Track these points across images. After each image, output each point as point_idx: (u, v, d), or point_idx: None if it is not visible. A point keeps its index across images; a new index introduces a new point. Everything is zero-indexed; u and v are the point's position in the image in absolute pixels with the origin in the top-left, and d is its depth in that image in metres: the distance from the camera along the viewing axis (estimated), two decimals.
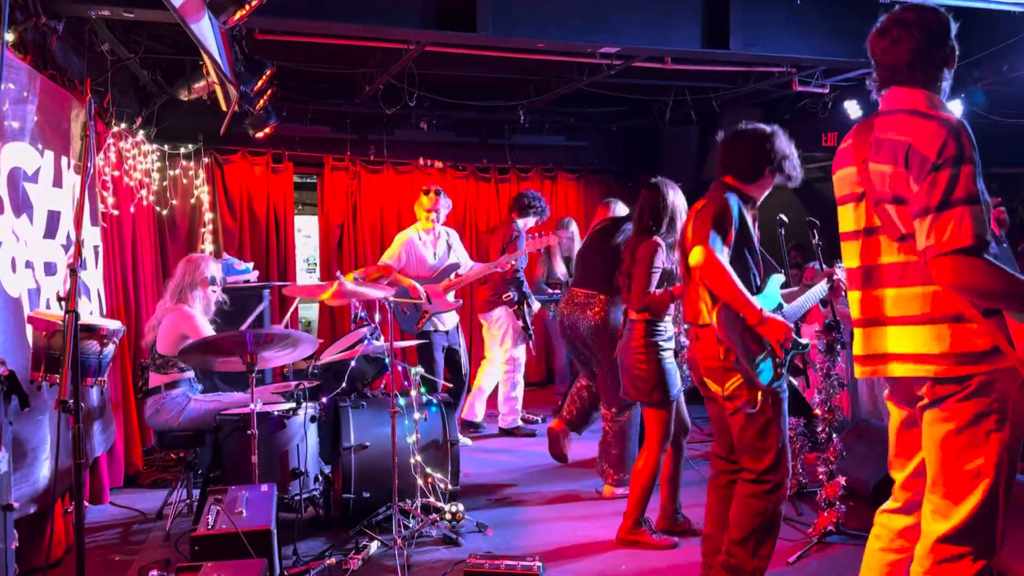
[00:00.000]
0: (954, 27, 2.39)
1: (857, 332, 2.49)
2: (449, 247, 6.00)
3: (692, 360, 3.35)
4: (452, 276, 5.84)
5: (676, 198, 4.04)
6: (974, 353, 2.24)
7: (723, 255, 2.95)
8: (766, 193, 3.33)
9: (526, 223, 6.34)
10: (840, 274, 3.35)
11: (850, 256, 2.51)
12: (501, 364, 6.36)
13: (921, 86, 2.36)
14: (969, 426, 2.26)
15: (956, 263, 2.12)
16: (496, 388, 6.48)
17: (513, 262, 5.89)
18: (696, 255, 2.95)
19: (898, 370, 2.36)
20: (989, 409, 2.25)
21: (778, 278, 3.21)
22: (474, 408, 6.46)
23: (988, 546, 2.29)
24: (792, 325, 3.02)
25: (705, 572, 3.38)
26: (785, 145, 3.24)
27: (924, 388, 2.33)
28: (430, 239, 5.90)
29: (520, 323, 6.14)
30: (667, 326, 3.99)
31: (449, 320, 5.93)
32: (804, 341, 3.14)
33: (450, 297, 5.83)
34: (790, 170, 3.22)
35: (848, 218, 2.50)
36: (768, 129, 3.25)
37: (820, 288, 3.35)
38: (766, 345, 2.97)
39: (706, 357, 3.14)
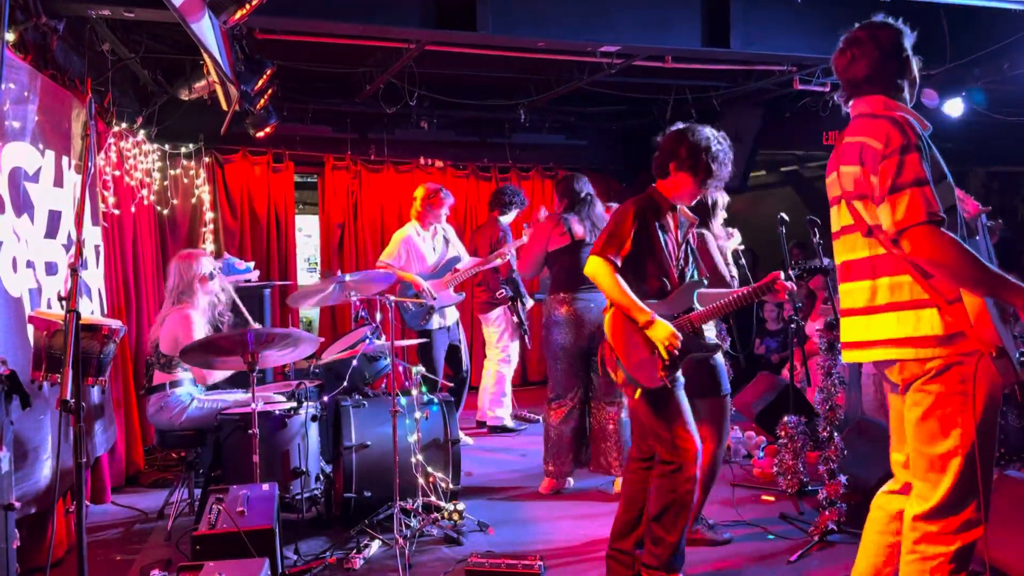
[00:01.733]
0: (909, 39, 2.59)
1: (844, 321, 2.67)
2: (447, 241, 6.01)
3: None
4: (452, 271, 5.84)
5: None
6: (935, 337, 2.38)
7: (614, 263, 3.20)
8: (689, 195, 3.37)
9: (508, 219, 6.35)
10: (783, 276, 3.42)
11: (836, 254, 2.72)
12: (495, 361, 6.39)
13: (878, 94, 2.58)
14: (935, 409, 2.41)
15: (915, 236, 2.30)
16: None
17: (509, 255, 5.90)
18: (589, 266, 3.25)
19: (873, 355, 2.54)
20: (952, 391, 2.39)
21: (696, 284, 3.38)
22: (487, 410, 6.47)
23: (967, 523, 2.40)
24: (677, 330, 3.18)
25: (609, 554, 3.51)
26: (702, 140, 3.30)
27: (894, 373, 2.50)
28: (428, 234, 5.90)
29: (515, 319, 6.15)
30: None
31: (450, 315, 5.94)
32: (713, 342, 3.40)
33: (451, 291, 5.84)
34: (710, 164, 3.27)
35: (834, 219, 2.71)
36: (685, 127, 3.36)
37: (750, 290, 3.37)
38: (654, 348, 3.18)
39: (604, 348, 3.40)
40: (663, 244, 3.33)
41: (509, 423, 6.47)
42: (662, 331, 3.15)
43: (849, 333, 2.63)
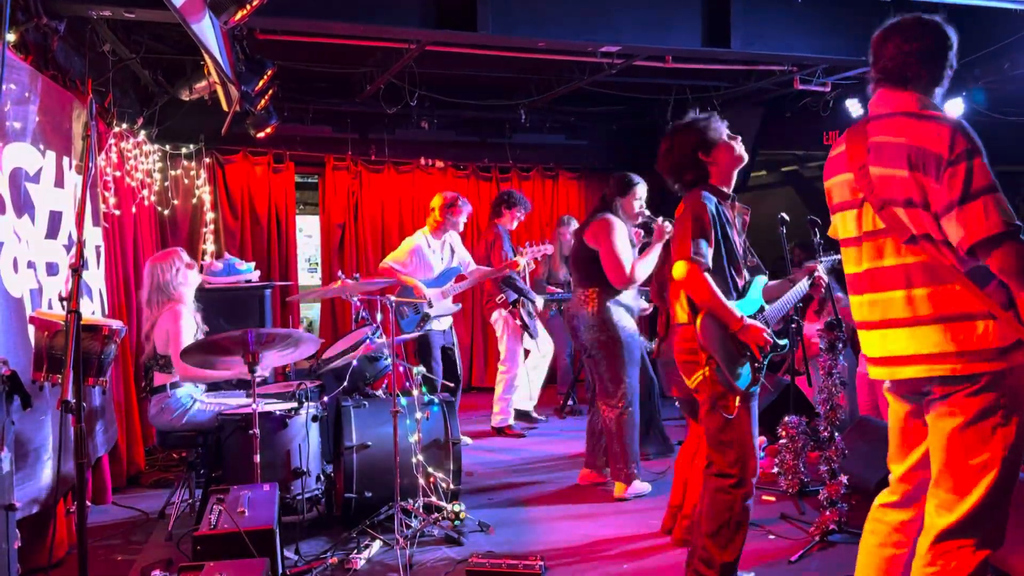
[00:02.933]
0: (955, 44, 2.46)
1: (866, 334, 2.52)
2: (452, 251, 6.00)
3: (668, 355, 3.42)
4: (454, 280, 5.83)
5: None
6: (983, 351, 2.27)
7: (705, 266, 3.01)
8: (735, 176, 3.32)
9: (507, 224, 6.32)
10: (821, 270, 3.44)
11: (851, 261, 2.55)
12: (499, 364, 6.40)
13: (912, 89, 2.42)
14: (976, 421, 2.30)
15: (990, 249, 2.16)
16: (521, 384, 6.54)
17: (525, 263, 5.89)
18: (679, 270, 3.03)
19: (909, 372, 2.39)
20: (997, 404, 2.28)
21: (761, 279, 3.28)
22: (508, 410, 6.46)
23: (991, 538, 2.33)
24: (770, 329, 3.10)
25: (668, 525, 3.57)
26: (719, 123, 3.27)
27: (933, 385, 2.36)
28: (438, 244, 5.87)
29: (518, 323, 6.16)
30: None
31: (445, 320, 5.94)
32: (783, 342, 3.21)
33: (448, 301, 5.83)
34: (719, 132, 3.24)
35: (848, 224, 2.54)
36: (696, 118, 3.29)
37: (802, 286, 3.41)
38: (746, 350, 3.05)
39: (678, 351, 3.26)
40: (732, 240, 3.20)
41: (511, 422, 6.48)
42: (756, 333, 3.01)
43: (875, 347, 2.47)
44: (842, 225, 2.57)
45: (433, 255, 5.84)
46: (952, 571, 2.32)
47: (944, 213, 2.24)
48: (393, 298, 4.31)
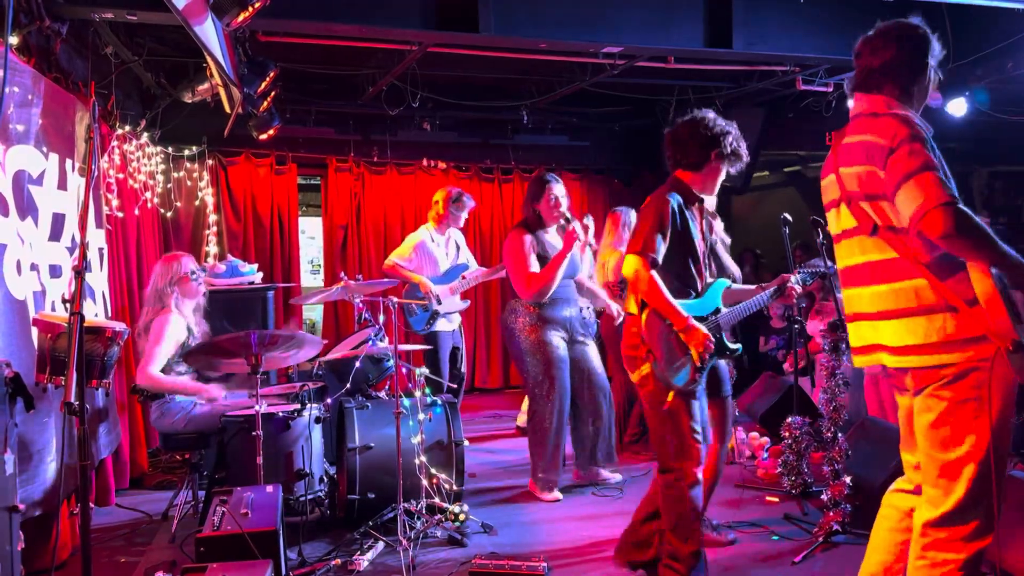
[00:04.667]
0: (935, 50, 2.56)
1: (851, 326, 2.64)
2: (457, 247, 5.99)
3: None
4: (460, 277, 5.83)
5: None
6: (950, 342, 2.34)
7: (654, 260, 3.08)
8: (716, 186, 3.37)
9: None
10: (793, 280, 3.50)
11: (839, 256, 2.67)
12: None
13: (884, 92, 2.54)
14: (950, 414, 2.37)
15: (946, 213, 2.23)
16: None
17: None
18: (627, 265, 3.11)
19: (887, 360, 2.49)
20: (968, 397, 2.34)
21: (724, 283, 3.35)
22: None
23: (979, 530, 2.37)
24: (722, 333, 3.19)
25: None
26: (723, 123, 3.32)
27: (908, 378, 2.47)
28: (442, 240, 5.86)
29: None
30: None
31: (454, 319, 5.93)
32: (734, 347, 3.31)
33: (457, 298, 5.83)
34: (732, 145, 3.29)
35: (833, 222, 2.67)
36: (702, 115, 3.33)
37: (767, 295, 3.46)
38: (688, 350, 3.11)
39: (624, 345, 3.30)
40: (695, 240, 3.25)
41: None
42: (698, 336, 3.07)
43: (858, 338, 2.59)
44: (830, 224, 2.70)
45: (438, 249, 5.79)
46: (940, 564, 2.38)
47: (896, 192, 2.33)
48: (395, 299, 4.29)
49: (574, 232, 4.49)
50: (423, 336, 5.68)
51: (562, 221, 4.66)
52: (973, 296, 2.29)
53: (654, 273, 3.08)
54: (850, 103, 2.70)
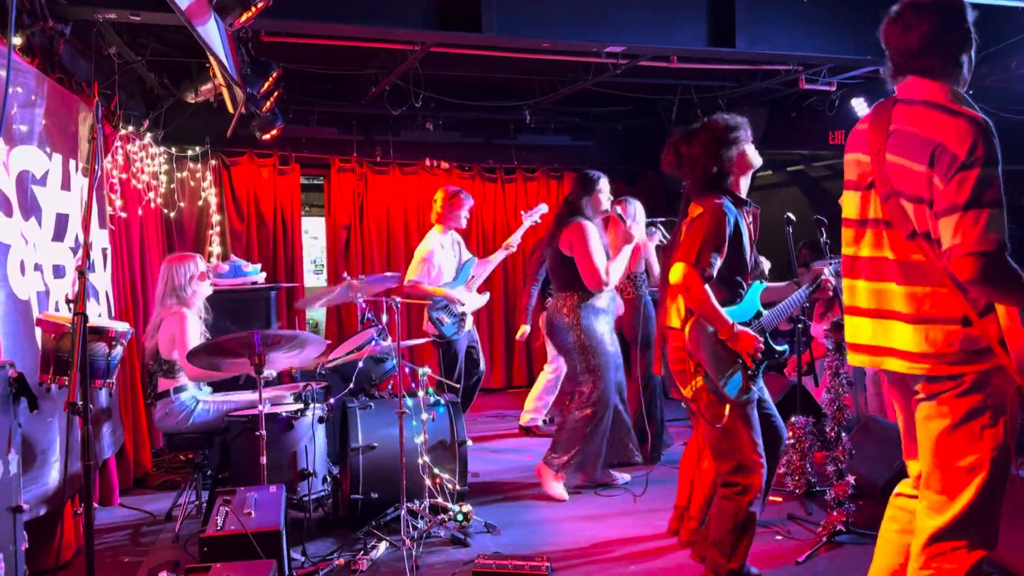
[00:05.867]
0: (970, 11, 2.33)
1: (855, 320, 2.49)
2: (459, 245, 6.02)
3: (662, 360, 3.40)
4: (471, 273, 5.84)
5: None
6: (969, 351, 2.25)
7: (708, 275, 3.00)
8: (750, 171, 3.31)
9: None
10: (828, 273, 3.41)
11: (849, 243, 2.50)
12: (546, 365, 6.44)
13: (939, 75, 2.32)
14: (964, 422, 2.28)
15: (981, 263, 2.11)
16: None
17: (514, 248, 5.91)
18: (676, 272, 3.00)
19: (896, 365, 2.37)
20: (984, 405, 2.26)
21: (760, 285, 3.27)
22: (542, 411, 6.48)
23: (984, 539, 2.31)
24: (766, 335, 3.10)
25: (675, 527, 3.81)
26: (727, 118, 3.28)
27: (920, 384, 2.35)
28: (448, 242, 5.86)
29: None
30: None
31: (471, 319, 5.97)
32: (781, 348, 3.20)
33: (475, 293, 5.85)
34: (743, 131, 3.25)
35: (853, 205, 2.48)
36: (722, 118, 3.28)
37: (803, 291, 3.39)
38: (738, 357, 3.03)
39: (672, 360, 3.23)
40: (745, 248, 3.16)
41: (539, 424, 6.49)
42: (747, 341, 3.00)
43: (863, 335, 2.46)
44: (847, 204, 2.50)
45: (447, 254, 5.80)
46: (946, 573, 2.30)
47: (944, 214, 2.17)
48: (398, 299, 4.28)
49: (628, 233, 4.76)
50: (443, 341, 5.69)
51: (615, 211, 4.88)
52: (984, 307, 2.22)
53: (706, 284, 2.99)
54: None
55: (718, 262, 3.03)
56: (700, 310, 3.00)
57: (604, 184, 4.91)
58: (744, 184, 3.30)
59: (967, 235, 2.12)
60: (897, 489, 2.66)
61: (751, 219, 3.28)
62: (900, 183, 2.29)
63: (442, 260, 5.71)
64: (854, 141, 2.50)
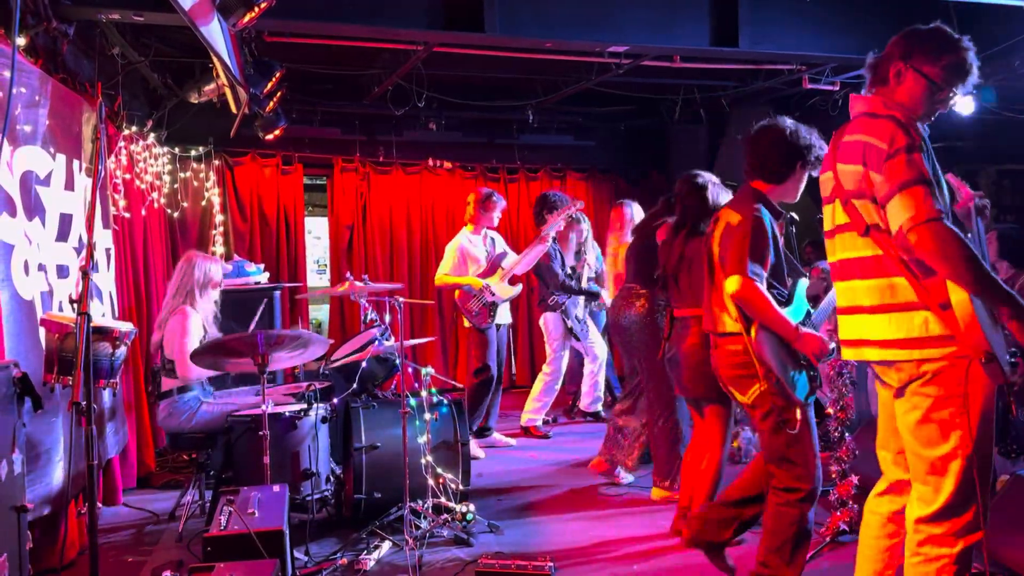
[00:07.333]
0: (965, 63, 2.51)
1: (840, 318, 2.68)
2: (494, 242, 6.07)
3: (714, 368, 3.34)
4: (504, 267, 5.88)
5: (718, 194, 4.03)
6: (929, 339, 2.38)
7: (762, 283, 2.97)
8: (799, 193, 3.29)
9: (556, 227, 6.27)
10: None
11: (830, 251, 2.71)
12: (544, 366, 6.45)
13: (879, 93, 2.59)
14: (933, 413, 2.41)
15: (932, 229, 2.29)
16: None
17: (552, 236, 5.92)
18: (732, 285, 2.96)
19: (871, 354, 2.54)
20: (951, 393, 2.39)
21: (803, 283, 3.25)
22: (541, 412, 6.47)
23: (969, 525, 2.41)
24: (824, 336, 3.05)
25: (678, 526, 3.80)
26: (805, 132, 3.30)
27: (891, 375, 2.51)
28: (479, 239, 5.99)
29: (568, 325, 6.21)
30: None
31: (504, 314, 6.02)
32: (831, 345, 3.12)
33: (507, 284, 5.89)
34: (817, 153, 3.25)
35: (827, 218, 2.71)
36: (782, 123, 3.28)
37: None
38: (802, 359, 3.01)
39: (727, 366, 3.19)
40: (780, 255, 3.14)
41: (539, 424, 6.49)
42: (813, 341, 2.95)
43: (845, 331, 2.65)
44: (825, 219, 2.74)
45: (476, 248, 5.94)
46: (934, 559, 2.42)
47: (887, 199, 2.39)
48: (401, 299, 4.30)
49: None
50: (479, 333, 5.79)
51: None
52: (946, 300, 2.35)
53: (762, 288, 2.95)
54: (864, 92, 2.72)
55: (763, 272, 3.00)
56: (762, 318, 2.94)
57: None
58: (789, 197, 3.32)
59: (912, 209, 2.32)
60: (871, 493, 2.76)
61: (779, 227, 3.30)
62: (848, 186, 2.54)
63: (470, 253, 5.88)
64: (823, 164, 2.76)
